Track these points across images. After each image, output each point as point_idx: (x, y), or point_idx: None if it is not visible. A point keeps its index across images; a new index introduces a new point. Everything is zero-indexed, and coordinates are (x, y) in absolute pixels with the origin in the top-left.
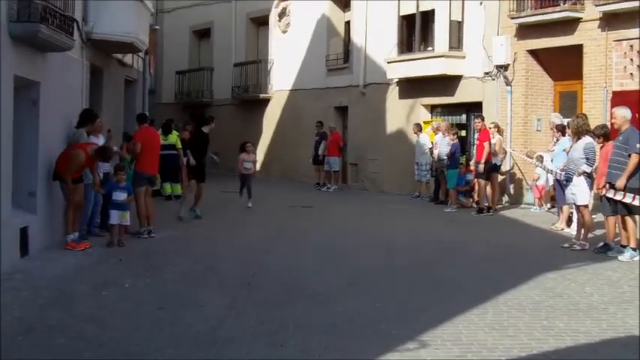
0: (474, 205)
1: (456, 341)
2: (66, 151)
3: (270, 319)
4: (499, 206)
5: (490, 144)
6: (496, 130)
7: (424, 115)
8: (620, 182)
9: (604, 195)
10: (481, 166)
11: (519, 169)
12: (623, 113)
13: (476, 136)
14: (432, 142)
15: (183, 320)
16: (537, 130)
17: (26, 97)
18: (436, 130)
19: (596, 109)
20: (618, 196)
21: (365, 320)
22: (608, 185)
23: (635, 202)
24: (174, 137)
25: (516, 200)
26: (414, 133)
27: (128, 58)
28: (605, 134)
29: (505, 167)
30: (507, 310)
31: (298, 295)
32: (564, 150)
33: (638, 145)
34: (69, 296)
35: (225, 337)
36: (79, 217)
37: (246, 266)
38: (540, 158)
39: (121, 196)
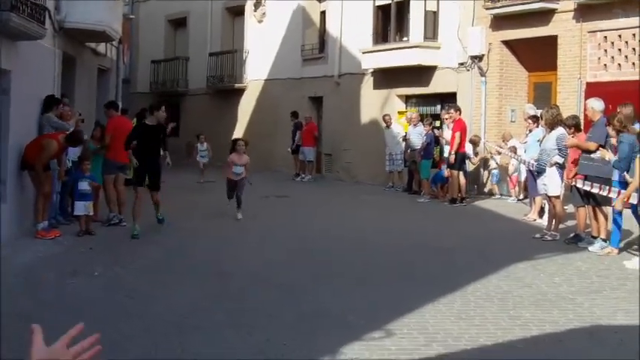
0: (447, 195)
1: (422, 330)
2: (36, 139)
3: (238, 309)
4: (467, 197)
5: (461, 134)
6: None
7: (399, 105)
8: (570, 142)
9: (574, 186)
10: (451, 157)
11: (493, 158)
12: (595, 105)
13: (444, 126)
14: (406, 132)
15: (152, 309)
16: (511, 121)
17: None
18: (410, 121)
19: (570, 100)
20: (587, 187)
21: (332, 310)
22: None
23: (603, 193)
24: None
25: (490, 191)
26: (385, 122)
27: (102, 47)
28: (576, 125)
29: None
30: (475, 299)
31: (268, 285)
32: (538, 140)
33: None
34: (38, 285)
35: (193, 326)
36: (48, 205)
37: (217, 256)
38: (513, 149)
39: (85, 185)
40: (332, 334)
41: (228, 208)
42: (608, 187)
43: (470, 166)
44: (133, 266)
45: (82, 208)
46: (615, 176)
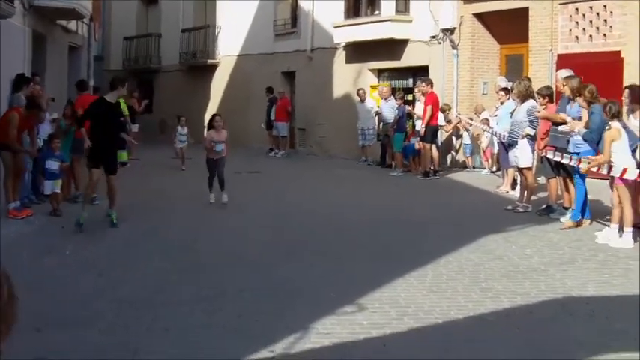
0: (420, 168)
1: (393, 304)
2: (2, 118)
3: (209, 285)
4: (440, 169)
5: (433, 107)
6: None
7: (371, 79)
8: (541, 114)
9: (545, 157)
10: (422, 129)
11: (467, 130)
12: (564, 76)
13: (417, 100)
14: (378, 106)
15: (124, 286)
16: (483, 94)
17: None
18: (381, 95)
19: (541, 72)
20: (557, 158)
21: (304, 285)
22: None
23: (573, 164)
24: (121, 104)
25: (463, 163)
26: (359, 96)
27: (72, 25)
28: (550, 95)
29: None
30: (447, 272)
31: (239, 261)
32: (510, 112)
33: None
34: (9, 264)
35: (163, 302)
36: (19, 185)
37: (188, 233)
38: (486, 122)
39: (54, 165)
40: (303, 309)
41: (211, 197)
42: (578, 158)
43: (443, 135)
44: (105, 244)
45: (49, 187)
46: (571, 147)
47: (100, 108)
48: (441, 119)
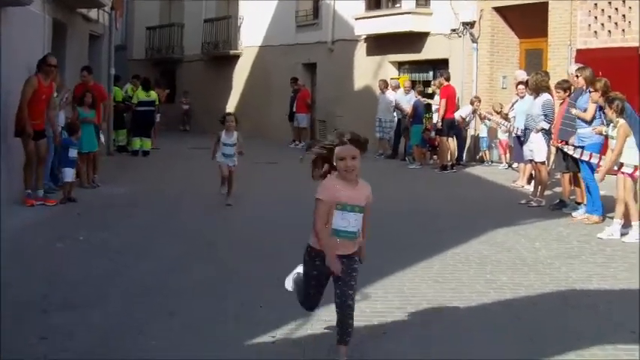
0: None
1: (397, 293)
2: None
3: (217, 273)
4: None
5: (447, 101)
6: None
7: (392, 72)
8: (575, 112)
9: (559, 149)
10: (439, 123)
11: (484, 123)
12: (577, 67)
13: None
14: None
15: (134, 272)
16: (503, 88)
17: None
18: (395, 88)
19: (560, 67)
20: (570, 152)
21: None
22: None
23: (584, 158)
24: (154, 94)
25: (481, 157)
26: (380, 89)
27: (93, 13)
28: (569, 89)
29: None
30: (454, 263)
31: (248, 250)
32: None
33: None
34: (22, 250)
35: (171, 288)
36: (42, 171)
37: (201, 221)
38: (505, 116)
39: (74, 152)
40: None
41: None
42: (589, 153)
43: (481, 127)
44: (118, 230)
45: (70, 174)
46: (576, 141)
47: None
48: (469, 110)
